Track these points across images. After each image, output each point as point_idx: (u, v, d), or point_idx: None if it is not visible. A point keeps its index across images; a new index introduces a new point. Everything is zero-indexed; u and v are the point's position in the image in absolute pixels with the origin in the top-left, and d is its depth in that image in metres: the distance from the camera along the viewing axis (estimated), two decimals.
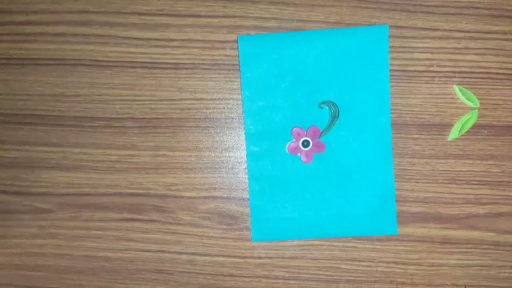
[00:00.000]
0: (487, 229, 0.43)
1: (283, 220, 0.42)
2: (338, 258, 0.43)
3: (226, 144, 0.43)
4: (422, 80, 0.42)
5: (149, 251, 0.43)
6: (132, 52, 0.42)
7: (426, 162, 0.42)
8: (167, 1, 0.42)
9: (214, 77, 0.42)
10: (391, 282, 0.43)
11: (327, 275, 0.43)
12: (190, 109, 0.43)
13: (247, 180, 0.43)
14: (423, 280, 0.43)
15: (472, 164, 0.42)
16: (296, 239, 0.43)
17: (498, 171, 0.43)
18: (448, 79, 0.42)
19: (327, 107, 0.42)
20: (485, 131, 0.42)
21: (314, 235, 0.43)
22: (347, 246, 0.43)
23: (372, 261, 0.43)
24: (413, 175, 0.42)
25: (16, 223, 0.44)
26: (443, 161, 0.42)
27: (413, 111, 0.42)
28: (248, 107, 0.42)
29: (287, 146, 0.42)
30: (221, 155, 0.43)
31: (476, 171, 0.43)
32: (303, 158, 0.42)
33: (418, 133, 0.42)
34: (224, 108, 0.43)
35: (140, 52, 0.42)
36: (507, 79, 0.42)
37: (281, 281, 0.43)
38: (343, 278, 0.43)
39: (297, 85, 0.42)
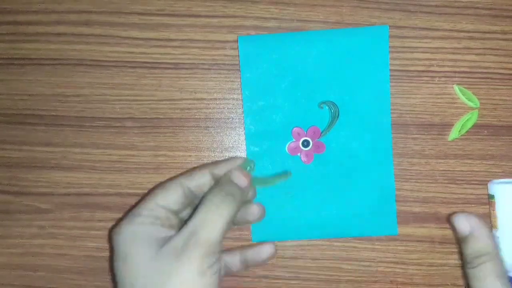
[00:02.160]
0: None
1: (283, 220, 0.42)
2: (338, 258, 0.43)
3: (226, 144, 0.43)
4: (422, 80, 0.42)
5: None
6: (132, 52, 0.42)
7: (426, 162, 0.42)
8: (167, 1, 0.42)
9: (214, 77, 0.42)
10: (391, 282, 0.43)
11: (328, 275, 0.43)
12: (190, 109, 0.43)
13: None
14: (423, 280, 0.43)
15: (472, 164, 0.42)
16: (296, 239, 0.43)
17: (498, 171, 0.42)
18: (448, 79, 0.42)
19: (327, 107, 0.42)
20: (485, 131, 0.42)
21: (314, 235, 0.43)
22: (347, 246, 0.43)
23: (372, 261, 0.43)
24: (413, 175, 0.42)
25: (16, 223, 0.44)
26: (443, 161, 0.42)
27: (413, 111, 0.42)
28: (248, 107, 0.42)
29: (287, 146, 0.42)
30: (221, 155, 0.43)
31: (476, 171, 0.43)
32: (303, 158, 0.42)
33: (418, 133, 0.42)
34: (224, 108, 0.43)
35: (140, 52, 0.42)
36: (507, 79, 0.42)
37: (281, 281, 0.43)
38: (343, 278, 0.43)
39: (297, 85, 0.42)
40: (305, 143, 0.42)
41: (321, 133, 0.41)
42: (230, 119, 0.43)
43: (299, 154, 0.42)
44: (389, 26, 0.41)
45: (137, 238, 0.29)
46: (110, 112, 0.43)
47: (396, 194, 0.42)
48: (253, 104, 0.42)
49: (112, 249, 0.31)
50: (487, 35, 0.42)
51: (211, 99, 0.43)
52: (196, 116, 0.43)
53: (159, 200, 0.32)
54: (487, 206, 0.42)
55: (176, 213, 0.33)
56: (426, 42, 0.42)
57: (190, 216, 0.30)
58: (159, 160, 0.43)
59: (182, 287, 0.26)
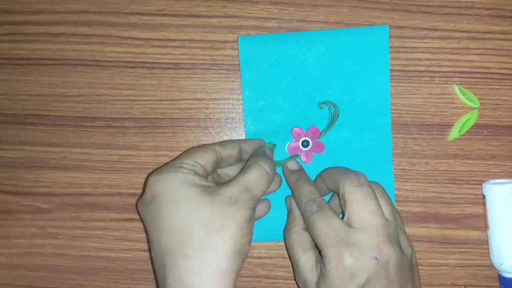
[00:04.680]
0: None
1: (283, 220, 0.42)
2: None
3: None
4: (422, 80, 0.42)
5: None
6: (132, 52, 0.42)
7: (426, 162, 0.42)
8: (167, 1, 0.42)
9: (214, 77, 0.42)
10: None
11: None
12: (190, 109, 0.43)
13: None
14: (423, 280, 0.43)
15: (472, 164, 0.42)
16: None
17: (498, 171, 0.43)
18: (448, 79, 0.42)
19: (327, 107, 0.42)
20: (485, 131, 0.42)
21: None
22: None
23: None
24: (413, 175, 0.42)
25: (16, 223, 0.44)
26: (443, 161, 0.42)
27: (413, 111, 0.42)
28: (248, 107, 0.42)
29: (287, 146, 0.42)
30: None
31: (476, 171, 0.43)
32: (303, 158, 0.42)
33: (418, 133, 0.42)
34: (224, 108, 0.43)
35: (140, 52, 0.42)
36: (507, 79, 0.42)
37: (281, 281, 0.43)
38: None
39: (297, 85, 0.42)
40: (305, 143, 0.42)
41: (321, 133, 0.41)
42: (230, 119, 0.43)
43: (299, 154, 0.42)
44: (389, 26, 0.41)
45: (187, 184, 0.32)
46: (110, 112, 0.43)
47: (396, 194, 0.42)
48: (253, 104, 0.42)
49: (152, 197, 0.32)
50: (487, 35, 0.42)
51: (211, 99, 0.43)
52: (196, 116, 0.43)
53: (198, 159, 0.34)
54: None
55: (207, 174, 0.35)
56: (426, 42, 0.42)
57: (239, 173, 0.34)
58: (159, 160, 0.43)
59: (237, 228, 0.31)
